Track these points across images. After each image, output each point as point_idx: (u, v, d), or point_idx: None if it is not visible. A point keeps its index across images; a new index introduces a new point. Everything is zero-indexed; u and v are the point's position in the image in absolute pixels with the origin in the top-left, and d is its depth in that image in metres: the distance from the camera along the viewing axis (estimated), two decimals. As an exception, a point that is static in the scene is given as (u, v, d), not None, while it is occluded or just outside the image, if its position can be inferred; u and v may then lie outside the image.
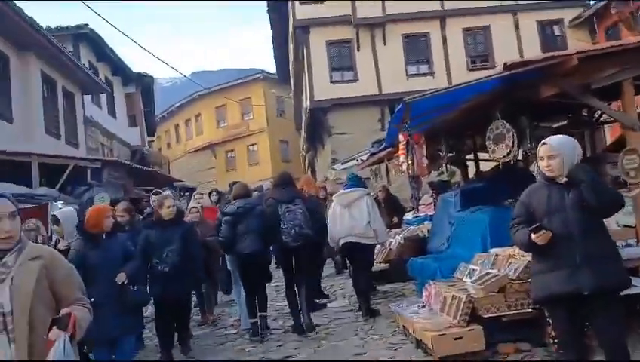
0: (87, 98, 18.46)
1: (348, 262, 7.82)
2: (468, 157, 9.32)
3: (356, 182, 7.07)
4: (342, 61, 19.05)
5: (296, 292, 6.13)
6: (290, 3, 19.68)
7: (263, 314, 6.31)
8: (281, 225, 5.84)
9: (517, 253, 4.96)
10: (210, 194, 10.70)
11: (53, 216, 5.02)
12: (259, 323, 6.15)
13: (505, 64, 4.76)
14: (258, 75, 33.71)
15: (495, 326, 4.59)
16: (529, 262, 4.68)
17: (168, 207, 5.56)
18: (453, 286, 5.18)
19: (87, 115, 18.11)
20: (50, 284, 2.14)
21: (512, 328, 4.62)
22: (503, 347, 4.59)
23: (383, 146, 7.52)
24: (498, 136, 5.11)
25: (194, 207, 7.50)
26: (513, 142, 5.00)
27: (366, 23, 18.72)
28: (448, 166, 9.10)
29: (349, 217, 6.63)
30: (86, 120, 17.70)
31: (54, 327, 1.99)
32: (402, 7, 18.64)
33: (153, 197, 8.34)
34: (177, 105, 37.88)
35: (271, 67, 30.11)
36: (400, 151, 5.66)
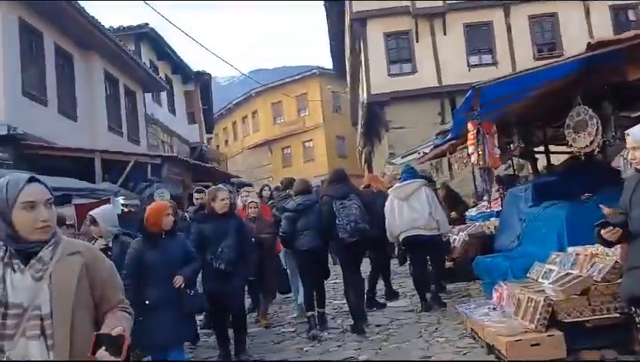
0: (148, 96, 18.90)
1: (408, 257, 7.45)
2: (537, 149, 8.75)
3: (412, 173, 6.86)
4: (400, 53, 18.54)
5: (353, 287, 6.08)
6: (346, -5, 19.35)
7: (321, 310, 6.28)
8: (337, 221, 5.78)
9: (600, 251, 4.49)
10: (261, 190, 10.60)
11: (90, 215, 4.90)
12: (316, 318, 6.10)
13: (589, 44, 4.29)
14: (314, 71, 33.61)
15: (577, 331, 4.15)
16: (616, 262, 4.23)
17: (222, 200, 5.27)
18: (528, 288, 4.74)
19: (148, 112, 18.53)
20: (91, 284, 1.89)
21: (597, 334, 4.17)
22: (587, 354, 4.15)
23: (448, 138, 7.08)
24: (579, 123, 4.63)
25: (253, 202, 6.99)
26: (597, 131, 4.50)
27: (425, 12, 18.11)
28: (516, 159, 8.62)
29: (408, 210, 6.41)
30: (147, 117, 18.09)
31: (103, 348, 1.71)
32: (464, -5, 17.97)
33: (196, 195, 8.30)
34: (235, 102, 38.37)
35: (327, 63, 29.85)
36: (469, 142, 5.25)
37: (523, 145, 6.10)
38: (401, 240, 6.63)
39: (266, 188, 9.71)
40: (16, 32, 10.86)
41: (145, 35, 18.71)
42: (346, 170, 23.04)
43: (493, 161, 5.22)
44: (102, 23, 13.25)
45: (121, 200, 9.97)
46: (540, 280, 4.86)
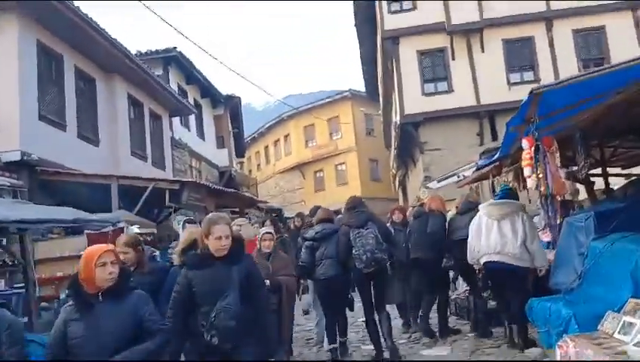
0: (176, 120, 18.55)
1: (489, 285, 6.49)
2: (593, 171, 7.72)
3: (508, 193, 5.97)
4: (435, 71, 17.67)
5: (378, 320, 5.82)
6: (378, 13, 18.66)
7: (343, 339, 6.12)
8: (354, 251, 5.65)
9: (696, 301, 3.50)
10: (294, 219, 9.93)
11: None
12: (338, 348, 5.97)
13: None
14: (346, 94, 32.94)
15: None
16: None
17: (220, 238, 3.45)
18: (602, 346, 3.76)
19: (176, 137, 18.15)
20: None
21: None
22: None
23: (496, 157, 6.14)
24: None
25: (268, 233, 5.65)
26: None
27: (461, 29, 17.23)
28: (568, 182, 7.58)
29: (497, 232, 5.57)
30: (174, 142, 17.69)
31: None
32: (502, 10, 17.00)
33: (189, 227, 6.76)
34: (267, 126, 38.04)
35: (360, 87, 29.15)
36: (524, 162, 4.29)
37: (587, 166, 5.08)
38: (482, 264, 5.81)
39: (297, 217, 9.02)
40: (34, 55, 10.53)
41: (173, 59, 18.45)
42: (380, 194, 22.21)
43: (559, 187, 4.22)
44: (124, 46, 12.89)
45: (135, 228, 9.36)
46: (616, 335, 3.86)
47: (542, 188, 4.09)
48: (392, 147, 23.60)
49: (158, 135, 15.87)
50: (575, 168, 5.45)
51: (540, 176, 4.02)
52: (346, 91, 33.00)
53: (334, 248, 5.86)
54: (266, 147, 39.15)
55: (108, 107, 13.17)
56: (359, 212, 5.93)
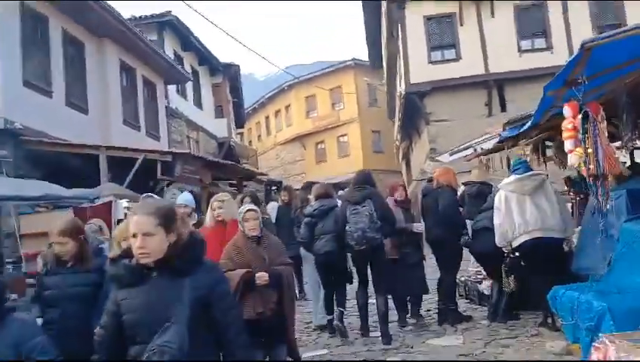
0: (172, 89, 17.87)
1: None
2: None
3: (526, 166, 5.62)
4: (442, 38, 16.84)
5: (376, 302, 5.77)
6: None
7: (341, 308, 6.03)
8: (347, 228, 5.59)
9: None
10: (281, 194, 9.38)
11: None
12: (336, 319, 6.00)
13: None
14: (349, 63, 31.94)
15: None
16: None
17: (134, 236, 2.22)
18: (648, 348, 3.21)
19: (172, 106, 17.49)
20: None
21: None
22: None
23: (527, 127, 5.43)
24: None
25: (251, 210, 4.14)
26: None
27: (471, -7, 16.38)
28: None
29: (533, 207, 5.23)
30: (170, 111, 17.05)
31: None
32: (514, -28, 16.13)
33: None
34: (267, 96, 37.16)
35: (364, 56, 28.13)
36: (566, 133, 3.63)
37: (635, 137, 4.43)
38: (517, 244, 5.35)
39: (284, 193, 8.49)
40: (16, 17, 9.84)
41: (168, 24, 17.65)
42: (383, 167, 21.43)
43: (612, 164, 3.55)
44: (115, 9, 12.14)
45: (124, 203, 8.82)
46: (663, 335, 3.32)
47: (591, 166, 3.45)
48: (396, 118, 22.87)
49: (152, 103, 15.22)
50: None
51: (589, 151, 3.37)
52: (349, 60, 32.02)
53: (332, 224, 5.87)
54: (267, 117, 38.36)
55: (98, 73, 12.50)
56: (360, 188, 5.83)
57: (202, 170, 11.44)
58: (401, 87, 18.02)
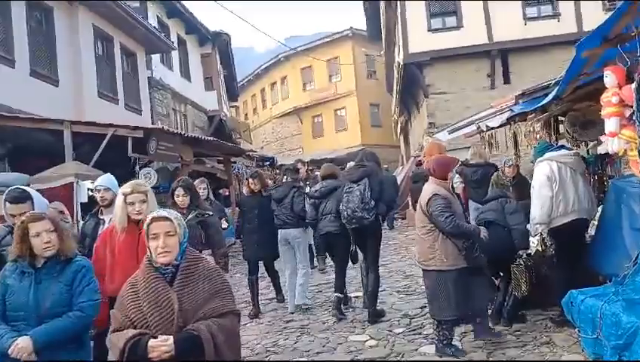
0: (157, 59, 16.87)
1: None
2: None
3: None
4: (443, 5, 15.75)
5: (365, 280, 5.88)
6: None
7: (339, 295, 6.03)
8: (340, 206, 5.64)
9: None
10: (248, 181, 8.04)
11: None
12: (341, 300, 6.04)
13: None
14: (347, 32, 30.62)
15: None
16: None
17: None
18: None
19: (156, 76, 16.53)
20: None
21: None
22: None
23: (551, 97, 4.42)
24: None
25: (159, 219, 2.69)
26: None
27: (473, -44, 15.26)
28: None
29: (583, 185, 4.83)
30: (154, 82, 16.10)
31: None
32: None
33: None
34: (262, 68, 35.95)
35: (363, 26, 26.83)
36: (609, 110, 2.74)
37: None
38: (559, 224, 4.75)
39: (253, 181, 6.93)
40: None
41: (151, -11, 16.57)
42: (381, 141, 20.55)
43: None
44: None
45: (88, 184, 8.00)
46: None
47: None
48: (394, 90, 21.85)
49: (132, 74, 14.27)
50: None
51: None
52: (347, 30, 30.74)
53: (335, 204, 5.88)
54: (263, 90, 37.24)
55: (69, 41, 11.54)
56: (359, 167, 5.78)
57: (182, 146, 10.57)
58: (399, 58, 17.01)
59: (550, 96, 3.85)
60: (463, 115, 12.34)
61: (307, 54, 31.40)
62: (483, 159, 7.18)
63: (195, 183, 5.66)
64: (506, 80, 15.46)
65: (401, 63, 16.08)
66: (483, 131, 6.98)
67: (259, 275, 6.78)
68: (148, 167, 9.47)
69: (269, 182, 9.26)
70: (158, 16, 17.26)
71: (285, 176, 7.33)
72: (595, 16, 14.72)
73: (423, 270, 4.61)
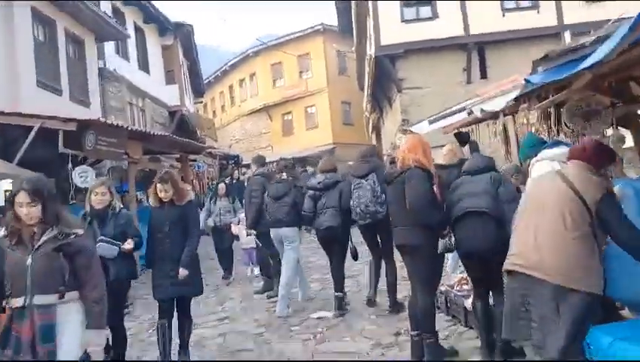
0: (111, 49, 15.58)
1: None
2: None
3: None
4: (417, -6, 14.95)
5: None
6: None
7: (338, 294, 5.96)
8: (351, 202, 5.60)
9: None
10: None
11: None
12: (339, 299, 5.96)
13: None
14: (318, 27, 29.62)
15: None
16: None
17: None
18: None
19: (110, 67, 15.24)
20: None
21: None
22: None
23: (593, 61, 3.35)
24: None
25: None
26: None
27: (449, -58, 14.46)
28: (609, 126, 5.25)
29: None
30: (106, 73, 14.82)
31: None
32: None
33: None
34: (230, 63, 34.72)
35: (334, 21, 25.88)
36: None
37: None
38: None
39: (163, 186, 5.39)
40: None
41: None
42: (353, 140, 20.06)
43: None
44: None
45: (5, 184, 6.85)
46: None
47: None
48: (366, 86, 20.95)
49: (79, 63, 12.98)
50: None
51: None
52: (318, 25, 29.75)
53: (336, 198, 5.87)
54: (231, 86, 35.98)
55: (2, 26, 10.25)
56: (364, 162, 5.76)
57: (129, 142, 9.42)
58: (371, 50, 16.09)
59: (596, 57, 2.77)
60: (438, 110, 11.52)
61: (278, 50, 30.36)
62: (458, 158, 6.35)
63: (93, 185, 4.64)
64: (483, 74, 14.72)
65: (373, 56, 15.16)
66: (468, 122, 6.02)
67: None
68: (83, 165, 8.29)
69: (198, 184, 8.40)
70: (112, 3, 15.98)
71: (283, 173, 7.22)
72: (575, 9, 14.12)
73: (557, 286, 2.89)
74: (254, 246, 8.18)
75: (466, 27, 14.44)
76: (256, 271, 8.37)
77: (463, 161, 6.36)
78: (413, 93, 14.77)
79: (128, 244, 4.40)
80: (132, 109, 16.74)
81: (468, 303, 4.73)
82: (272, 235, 6.43)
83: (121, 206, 4.75)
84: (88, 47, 13.35)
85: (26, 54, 10.74)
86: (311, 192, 6.10)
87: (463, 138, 7.38)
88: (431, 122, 6.07)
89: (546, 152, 4.09)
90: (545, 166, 4.00)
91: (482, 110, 3.85)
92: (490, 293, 4.19)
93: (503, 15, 14.43)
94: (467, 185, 4.09)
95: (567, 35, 14.03)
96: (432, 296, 4.32)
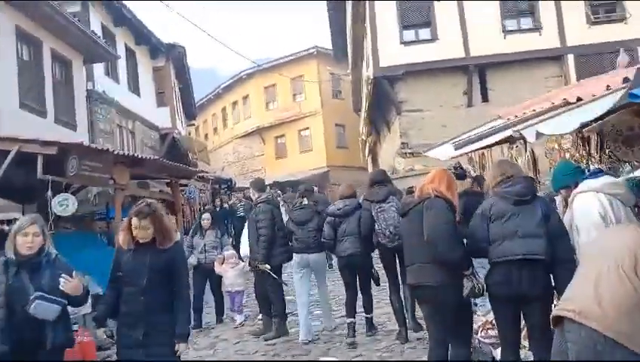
0: (101, 70, 15.08)
1: None
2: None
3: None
4: (416, 15, 14.57)
5: (402, 295, 5.72)
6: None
7: (369, 315, 6.02)
8: (376, 227, 5.61)
9: None
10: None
11: None
12: (355, 324, 5.82)
13: None
14: (312, 50, 29.36)
15: None
16: None
17: None
18: None
19: (99, 89, 14.72)
20: None
21: None
22: None
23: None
24: None
25: None
26: None
27: (448, -36, 14.18)
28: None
29: None
30: (94, 95, 14.31)
31: None
32: (497, -59, 14.02)
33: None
34: (223, 86, 34.34)
35: (328, 44, 25.60)
36: None
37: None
38: None
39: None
40: None
41: (94, -7, 14.84)
42: (347, 163, 19.89)
43: None
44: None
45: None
46: None
47: None
48: (363, 108, 20.52)
49: (66, 85, 12.45)
50: None
51: None
52: (312, 48, 29.49)
53: (356, 224, 5.75)
54: (224, 109, 35.54)
55: (-17, 42, 9.74)
56: (381, 186, 5.82)
57: (116, 167, 8.83)
58: (368, 72, 15.69)
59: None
60: (439, 134, 11.09)
61: (271, 72, 30.02)
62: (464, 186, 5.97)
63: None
64: (484, 98, 14.33)
65: (371, 77, 14.74)
66: (521, 141, 5.36)
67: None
68: (64, 193, 7.67)
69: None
70: (102, 24, 15.53)
71: (305, 198, 6.90)
72: (579, 30, 13.84)
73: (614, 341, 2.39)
74: (240, 289, 7.47)
75: (467, 49, 14.09)
76: (240, 318, 7.39)
77: (474, 191, 5.94)
78: (414, 115, 14.34)
79: (78, 280, 3.38)
80: (121, 132, 16.18)
81: (497, 354, 4.14)
82: (297, 260, 6.24)
83: (56, 252, 3.59)
84: (76, 68, 12.84)
85: (8, 74, 10.21)
86: (330, 219, 5.96)
87: (459, 176, 7.04)
88: (458, 147, 5.32)
89: (590, 183, 3.59)
90: (590, 198, 3.50)
91: (539, 133, 3.32)
92: (528, 346, 3.63)
93: (504, 37, 14.11)
94: (513, 220, 3.50)
95: (570, 58, 13.74)
96: (467, 347, 3.74)
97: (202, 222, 7.83)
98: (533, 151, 5.07)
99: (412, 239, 3.88)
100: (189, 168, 12.14)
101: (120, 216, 9.18)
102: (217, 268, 7.42)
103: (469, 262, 3.60)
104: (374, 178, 6.01)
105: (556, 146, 4.39)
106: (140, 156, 9.38)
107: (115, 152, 8.57)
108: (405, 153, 14.00)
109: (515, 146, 6.87)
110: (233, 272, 7.44)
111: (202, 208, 13.71)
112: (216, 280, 7.61)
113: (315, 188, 10.35)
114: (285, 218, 7.07)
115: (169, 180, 12.61)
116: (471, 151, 6.38)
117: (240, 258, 7.67)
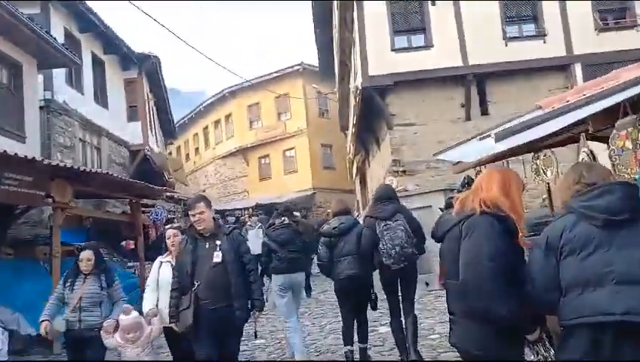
0: (62, 78, 13.65)
1: None
2: None
3: None
4: (409, 20, 13.33)
5: (403, 321, 5.31)
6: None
7: (363, 345, 5.57)
8: (380, 245, 5.17)
9: None
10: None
11: None
12: (353, 352, 5.47)
13: None
14: (297, 68, 28.17)
15: None
16: None
17: None
18: None
19: (59, 99, 13.29)
20: None
21: None
22: None
23: None
24: None
25: None
26: None
27: (444, -35, 13.04)
28: None
29: None
30: (54, 106, 12.90)
31: None
32: (497, -58, 12.94)
33: None
34: (205, 104, 33.02)
35: (314, 60, 24.51)
36: None
37: None
38: None
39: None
40: None
41: (56, -5, 13.50)
42: (334, 185, 18.66)
43: None
44: None
45: None
46: None
47: None
48: (350, 124, 19.19)
49: (14, 91, 10.95)
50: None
51: None
52: (297, 65, 28.30)
53: (354, 243, 5.42)
54: (205, 128, 34.15)
55: None
56: (387, 203, 5.40)
57: (54, 182, 7.33)
58: (356, 82, 14.39)
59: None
60: (433, 150, 9.75)
61: (254, 90, 28.75)
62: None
63: None
64: (483, 111, 13.08)
65: (360, 88, 13.41)
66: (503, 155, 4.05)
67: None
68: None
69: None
70: (66, 29, 14.16)
71: (284, 217, 6.31)
72: (585, 37, 12.72)
73: None
74: None
75: (464, 58, 12.84)
76: None
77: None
78: (406, 130, 13.02)
79: None
80: (84, 147, 14.68)
81: None
82: (279, 282, 5.89)
83: None
84: (27, 73, 11.35)
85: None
86: (325, 239, 5.63)
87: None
88: (499, 138, 3.54)
89: None
90: None
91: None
92: None
93: (506, 44, 12.91)
94: (602, 254, 2.10)
95: (577, 68, 12.57)
96: None
97: (81, 265, 4.85)
98: (592, 153, 3.69)
99: (451, 277, 2.55)
100: (154, 187, 10.61)
101: (59, 240, 7.65)
102: (107, 341, 4.64)
103: (536, 321, 2.20)
104: (380, 194, 5.57)
105: (626, 144, 2.98)
106: (83, 169, 7.85)
107: (51, 164, 7.08)
108: (397, 171, 12.64)
109: (536, 156, 5.50)
110: (134, 349, 4.60)
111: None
112: (98, 352, 4.75)
113: (298, 214, 9.12)
114: (261, 240, 6.83)
115: (125, 198, 11.10)
116: (487, 162, 4.96)
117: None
